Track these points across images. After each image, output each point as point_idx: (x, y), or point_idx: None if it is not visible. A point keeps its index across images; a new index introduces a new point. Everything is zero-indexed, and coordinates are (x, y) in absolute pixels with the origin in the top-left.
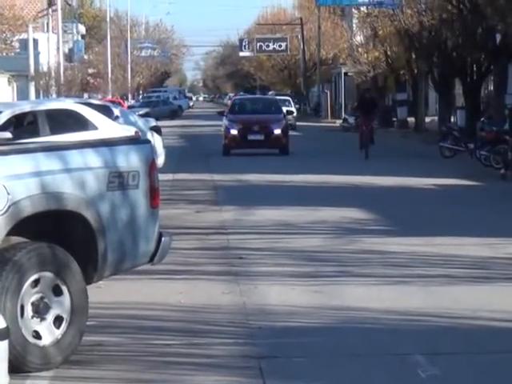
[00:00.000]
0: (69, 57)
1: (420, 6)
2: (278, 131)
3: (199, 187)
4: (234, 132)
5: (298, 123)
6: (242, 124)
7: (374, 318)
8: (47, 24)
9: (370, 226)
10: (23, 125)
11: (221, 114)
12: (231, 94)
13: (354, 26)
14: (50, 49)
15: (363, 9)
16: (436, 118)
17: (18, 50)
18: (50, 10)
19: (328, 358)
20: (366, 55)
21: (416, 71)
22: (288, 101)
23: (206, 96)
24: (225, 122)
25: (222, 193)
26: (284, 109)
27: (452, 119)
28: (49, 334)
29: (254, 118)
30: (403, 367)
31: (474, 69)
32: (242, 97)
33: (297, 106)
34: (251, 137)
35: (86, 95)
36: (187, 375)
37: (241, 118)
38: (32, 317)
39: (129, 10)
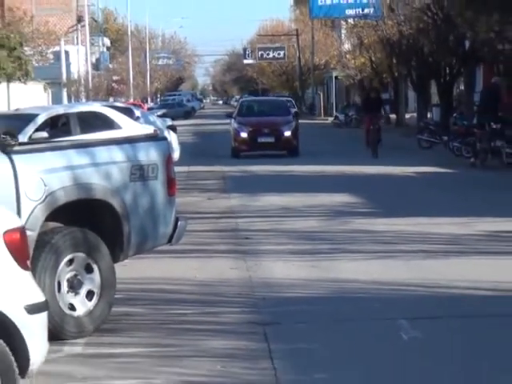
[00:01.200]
0: (96, 66)
1: (399, 18)
2: (288, 133)
3: (210, 177)
4: (243, 135)
5: None
6: (252, 126)
7: (364, 288)
8: (77, 38)
9: (359, 209)
10: (57, 125)
11: (229, 115)
12: (237, 97)
13: (343, 35)
14: (79, 59)
15: (350, 21)
16: (415, 114)
17: (52, 61)
18: (79, 25)
19: (324, 323)
20: (353, 61)
21: (397, 74)
22: (290, 101)
23: (215, 98)
24: (234, 124)
25: (231, 182)
26: None
27: (428, 115)
28: (82, 306)
29: (264, 121)
30: (388, 330)
31: (447, 71)
32: (250, 98)
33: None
34: (261, 139)
35: (111, 99)
36: (201, 340)
37: (250, 120)
38: (67, 291)
39: (147, 24)
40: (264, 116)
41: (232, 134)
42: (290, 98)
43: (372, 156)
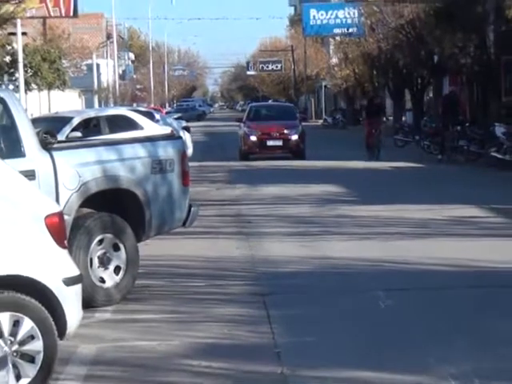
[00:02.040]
0: (122, 76)
1: (379, 36)
2: (295, 137)
3: (218, 171)
4: (253, 138)
5: None
6: (261, 130)
7: (347, 264)
8: (106, 52)
9: (343, 197)
10: (89, 126)
11: (239, 120)
12: (241, 102)
13: (331, 51)
14: (108, 71)
15: (337, 38)
16: (391, 117)
17: (85, 72)
18: (109, 42)
19: (315, 294)
20: (339, 72)
21: (376, 84)
22: (294, 107)
23: (222, 104)
24: (243, 128)
25: (235, 175)
26: None
27: (403, 118)
28: (110, 279)
29: (273, 125)
30: (368, 300)
31: (419, 81)
32: (259, 104)
33: None
34: (270, 143)
35: (134, 104)
36: (210, 308)
37: (260, 124)
38: (98, 267)
39: (165, 41)
40: (272, 120)
41: (241, 137)
42: (291, 104)
43: (370, 159)
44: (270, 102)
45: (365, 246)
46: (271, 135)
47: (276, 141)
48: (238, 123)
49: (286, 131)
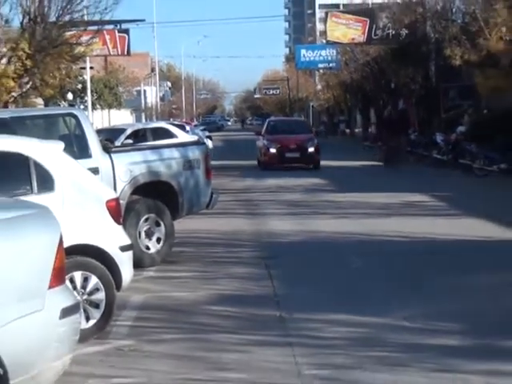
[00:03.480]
0: (162, 99)
1: (351, 69)
2: (311, 149)
3: (232, 168)
4: (273, 150)
5: None
6: (280, 143)
7: (329, 236)
8: (150, 81)
9: (325, 187)
10: (138, 136)
11: (258, 133)
12: (250, 118)
13: (316, 80)
14: (152, 95)
15: (321, 70)
16: (361, 129)
17: (135, 96)
18: (152, 74)
19: (304, 257)
20: (323, 96)
21: (350, 104)
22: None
23: (235, 119)
24: (263, 141)
25: (245, 171)
26: None
27: (369, 130)
28: (153, 247)
29: (291, 138)
30: (344, 261)
31: (380, 102)
32: (276, 119)
33: None
34: (288, 154)
35: (171, 119)
36: (226, 268)
37: (278, 137)
38: (145, 238)
39: (194, 73)
40: (290, 134)
41: (261, 149)
42: (305, 119)
43: (394, 171)
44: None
45: (341, 223)
46: (290, 148)
47: (294, 153)
48: (256, 136)
49: (303, 144)
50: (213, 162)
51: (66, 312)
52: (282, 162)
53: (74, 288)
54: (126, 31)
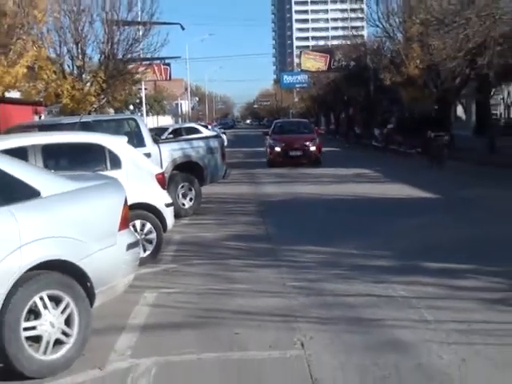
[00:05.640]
0: (192, 108)
1: (318, 88)
2: (313, 148)
3: (240, 152)
4: (277, 149)
5: None
6: (285, 142)
7: (309, 197)
8: (184, 97)
9: (306, 165)
10: (176, 132)
11: (265, 133)
12: (249, 121)
13: (295, 94)
14: (185, 106)
15: (298, 89)
16: (324, 127)
17: (174, 106)
18: (186, 92)
19: (289, 210)
20: (299, 105)
21: (317, 110)
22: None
23: (240, 121)
24: (269, 140)
25: (250, 154)
26: None
27: (330, 127)
28: (187, 204)
29: (294, 138)
30: (319, 212)
31: (337, 110)
32: (282, 120)
33: None
34: (292, 153)
35: (198, 121)
36: (237, 217)
37: (283, 137)
38: (181, 198)
39: (214, 91)
40: (293, 134)
41: (268, 148)
42: (308, 120)
43: (436, 167)
44: (267, 119)
45: (316, 188)
46: (293, 146)
47: (297, 151)
48: (264, 135)
49: (305, 143)
50: (227, 149)
51: (130, 246)
52: (285, 159)
53: (136, 230)
54: (168, 64)
